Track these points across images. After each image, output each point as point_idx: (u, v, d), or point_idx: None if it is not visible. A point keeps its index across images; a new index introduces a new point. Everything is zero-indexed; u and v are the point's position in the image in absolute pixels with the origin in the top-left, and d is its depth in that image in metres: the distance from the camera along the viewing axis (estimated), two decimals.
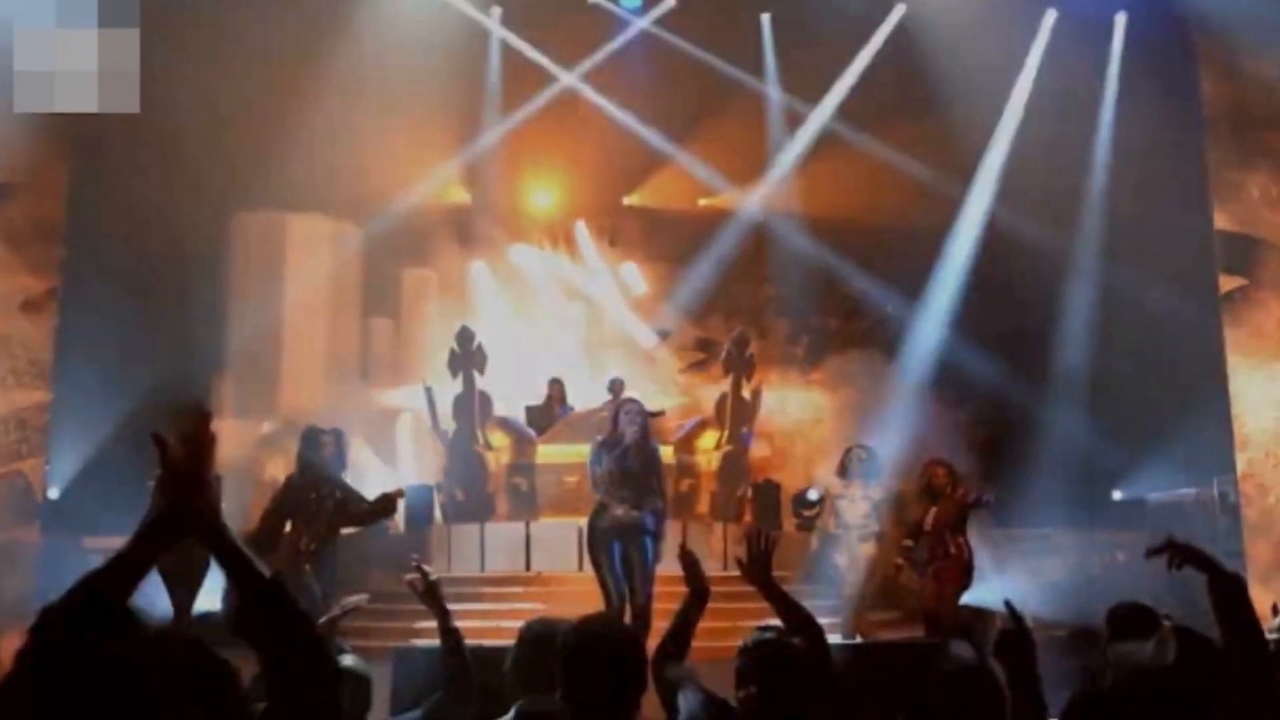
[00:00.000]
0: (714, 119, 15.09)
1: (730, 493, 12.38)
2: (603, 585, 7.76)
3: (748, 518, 12.37)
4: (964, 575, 8.58)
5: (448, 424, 12.38)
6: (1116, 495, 14.08)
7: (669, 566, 5.94)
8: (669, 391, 14.65)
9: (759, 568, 3.57)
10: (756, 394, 12.96)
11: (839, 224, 14.79)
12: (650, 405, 9.79)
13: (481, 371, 12.29)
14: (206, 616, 7.93)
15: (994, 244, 14.12)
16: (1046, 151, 13.60)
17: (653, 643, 3.42)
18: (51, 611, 1.92)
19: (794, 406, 15.03)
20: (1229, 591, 3.11)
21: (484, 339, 12.50)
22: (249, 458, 12.51)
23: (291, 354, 14.47)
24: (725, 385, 12.68)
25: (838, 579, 9.41)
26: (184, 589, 8.00)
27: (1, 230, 11.63)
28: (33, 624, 1.91)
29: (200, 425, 2.07)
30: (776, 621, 3.45)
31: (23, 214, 11.73)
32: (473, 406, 12.22)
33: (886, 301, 15.22)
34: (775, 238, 15.37)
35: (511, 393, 13.24)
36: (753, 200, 15.48)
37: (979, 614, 8.38)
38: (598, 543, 7.81)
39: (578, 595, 8.40)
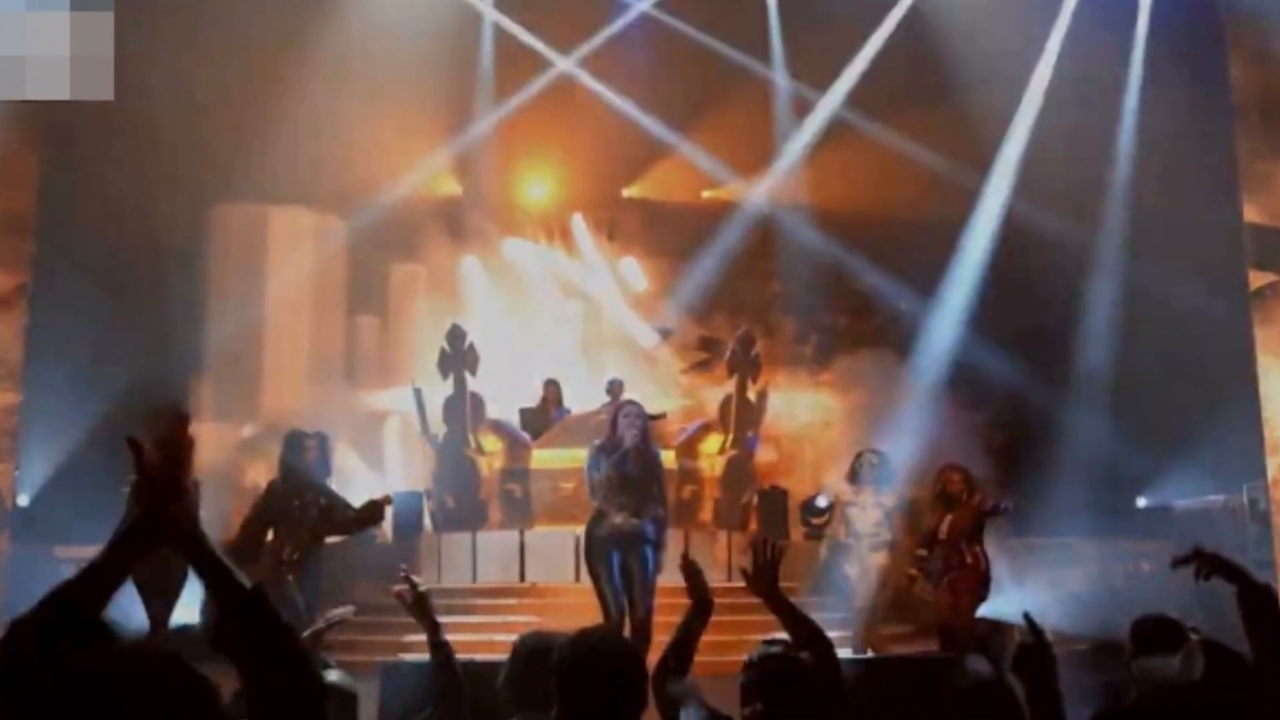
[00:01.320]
0: (718, 107, 15.10)
1: (735, 499, 12.39)
2: (601, 597, 7.76)
3: (753, 526, 12.37)
4: (981, 586, 8.58)
5: (438, 427, 12.39)
6: (1141, 502, 14.09)
7: (670, 577, 5.94)
8: (670, 393, 14.66)
9: (765, 578, 3.57)
10: (762, 396, 12.96)
11: (849, 217, 14.80)
12: (651, 407, 9.79)
13: (473, 372, 12.30)
14: (184, 630, 7.92)
15: (1012, 238, 14.12)
16: (1067, 141, 13.60)
17: (653, 657, 3.43)
18: (21, 624, 1.92)
19: (802, 409, 15.03)
20: (1259, 603, 3.11)
21: (476, 338, 12.51)
22: (229, 462, 12.51)
23: (273, 354, 14.49)
24: (729, 386, 12.70)
25: (848, 590, 9.41)
26: (160, 601, 8.00)
27: None
28: (1, 637, 1.91)
29: (177, 429, 2.07)
30: (783, 635, 3.45)
31: None
32: (464, 409, 12.23)
33: (899, 298, 15.23)
34: (782, 231, 15.37)
35: (505, 394, 13.25)
36: (758, 192, 15.49)
37: (996, 627, 8.39)
38: (595, 552, 7.81)
39: (574, 607, 8.41)
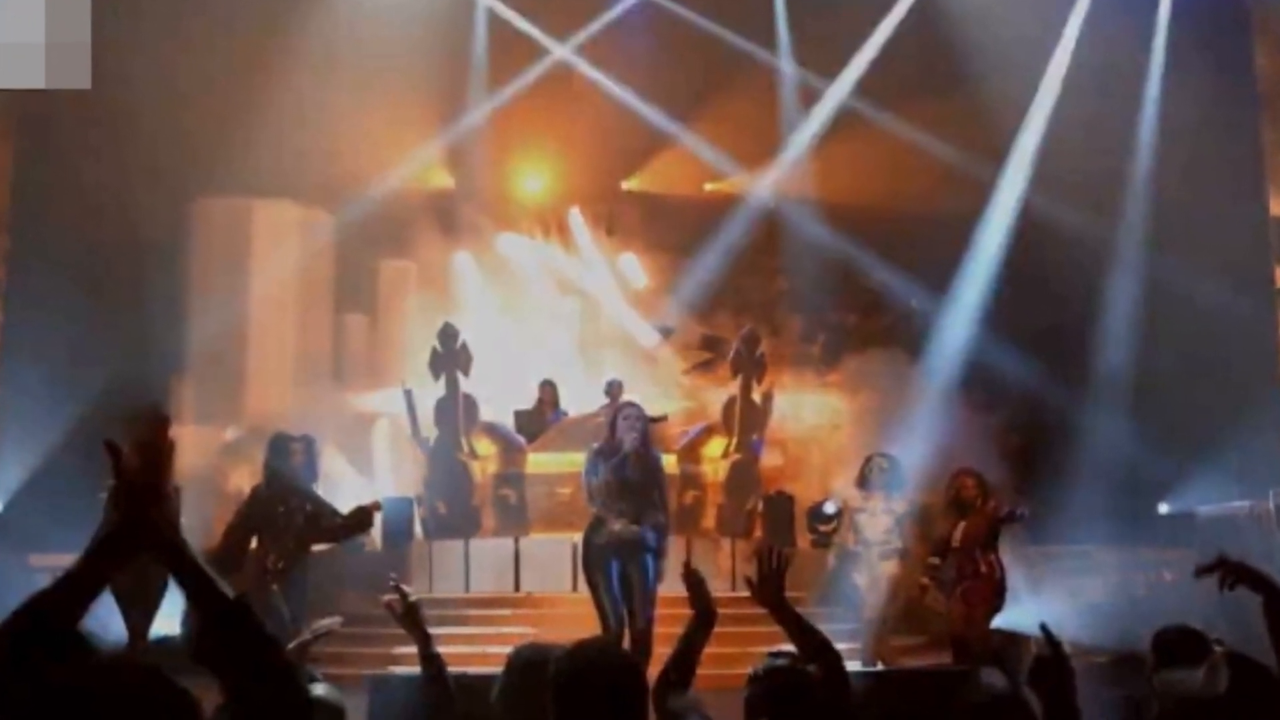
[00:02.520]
0: (721, 96, 15.10)
1: (739, 506, 12.39)
2: (599, 607, 7.77)
3: (758, 533, 12.37)
4: (995, 596, 8.58)
5: (429, 430, 12.38)
6: (1163, 509, 14.07)
7: (672, 586, 5.95)
8: (672, 394, 14.65)
9: (770, 588, 3.57)
10: (768, 397, 12.95)
11: (858, 210, 14.81)
12: (651, 410, 9.80)
13: (466, 373, 12.28)
14: (164, 641, 7.93)
15: (1028, 232, 14.13)
16: (1086, 131, 13.61)
17: (654, 670, 3.42)
18: None
19: (809, 411, 15.02)
20: None
21: (469, 337, 12.49)
22: (211, 467, 12.52)
23: (257, 353, 14.49)
24: (733, 388, 12.68)
25: (857, 600, 9.42)
26: (140, 611, 8.00)
27: None
28: None
29: (158, 431, 2.08)
30: (789, 647, 3.45)
31: None
32: (456, 411, 12.21)
33: (910, 296, 15.23)
34: (788, 226, 15.38)
35: (499, 396, 13.25)
36: (764, 185, 15.49)
37: (1012, 639, 8.40)
38: (594, 560, 7.82)
39: (571, 618, 8.41)
